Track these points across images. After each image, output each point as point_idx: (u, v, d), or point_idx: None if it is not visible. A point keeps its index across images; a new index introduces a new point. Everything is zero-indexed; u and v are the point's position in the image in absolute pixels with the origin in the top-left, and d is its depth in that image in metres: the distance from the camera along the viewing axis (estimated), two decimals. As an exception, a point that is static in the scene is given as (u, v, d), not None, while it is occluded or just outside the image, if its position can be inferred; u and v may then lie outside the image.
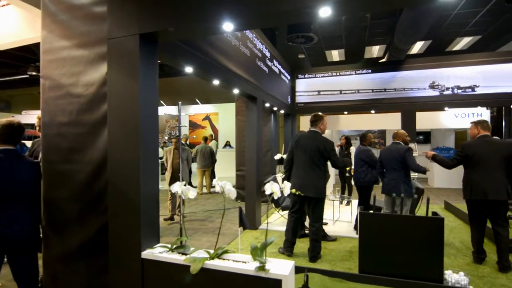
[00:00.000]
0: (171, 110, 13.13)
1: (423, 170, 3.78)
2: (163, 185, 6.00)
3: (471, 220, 3.53)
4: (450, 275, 2.65)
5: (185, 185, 2.11)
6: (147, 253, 2.07)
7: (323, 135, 3.63)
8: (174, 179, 5.17)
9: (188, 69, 3.15)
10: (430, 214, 3.00)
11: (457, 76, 6.91)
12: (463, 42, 9.07)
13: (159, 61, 2.46)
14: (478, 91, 6.74)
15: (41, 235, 2.41)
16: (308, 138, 3.57)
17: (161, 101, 13.43)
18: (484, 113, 9.75)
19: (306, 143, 3.55)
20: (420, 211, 4.28)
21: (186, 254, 1.99)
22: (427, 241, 2.66)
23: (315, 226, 3.54)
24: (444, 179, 9.19)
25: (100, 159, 2.28)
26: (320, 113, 3.70)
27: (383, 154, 4.07)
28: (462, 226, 4.97)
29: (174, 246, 2.11)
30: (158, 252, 2.06)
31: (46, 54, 2.51)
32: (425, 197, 3.59)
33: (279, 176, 6.42)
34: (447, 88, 7.00)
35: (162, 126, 13.88)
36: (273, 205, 5.06)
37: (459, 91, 6.90)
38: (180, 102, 3.13)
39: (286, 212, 5.24)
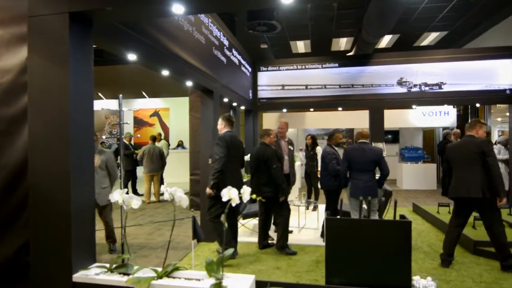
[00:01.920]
0: (112, 104, 12.53)
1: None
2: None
3: (452, 219, 3.85)
4: (418, 281, 2.85)
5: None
6: (79, 276, 1.96)
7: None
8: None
9: (131, 57, 3.03)
10: (398, 217, 3.20)
11: (424, 72, 7.48)
12: (431, 38, 9.86)
13: (94, 46, 2.34)
14: (445, 88, 7.36)
15: None
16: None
17: (99, 94, 12.78)
18: (451, 112, 10.68)
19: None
20: (388, 214, 4.56)
21: (128, 274, 1.92)
22: (395, 246, 2.84)
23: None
24: (413, 181, 9.90)
25: (19, 163, 2.11)
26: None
27: (353, 154, 4.24)
28: (430, 229, 5.39)
29: (114, 266, 2.02)
30: (93, 274, 1.96)
31: None
32: (393, 200, 3.83)
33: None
34: (415, 85, 7.55)
35: (101, 124, 13.22)
36: (233, 213, 5.06)
37: (427, 88, 7.49)
38: (121, 95, 3.00)
39: (248, 220, 5.28)
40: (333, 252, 2.93)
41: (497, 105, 9.99)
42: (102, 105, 12.52)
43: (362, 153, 4.18)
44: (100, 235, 5.03)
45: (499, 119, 14.47)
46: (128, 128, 12.63)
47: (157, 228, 5.58)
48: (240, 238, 4.85)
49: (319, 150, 6.54)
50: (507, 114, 7.69)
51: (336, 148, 4.96)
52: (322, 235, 4.81)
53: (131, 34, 2.85)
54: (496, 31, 8.56)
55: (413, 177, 9.93)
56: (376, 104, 7.66)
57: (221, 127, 4.22)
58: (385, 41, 10.11)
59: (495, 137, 14.66)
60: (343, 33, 9.57)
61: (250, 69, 7.68)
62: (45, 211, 2.03)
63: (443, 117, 10.76)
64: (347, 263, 2.88)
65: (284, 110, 9.30)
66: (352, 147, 4.41)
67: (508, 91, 6.97)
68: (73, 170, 2.00)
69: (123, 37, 2.75)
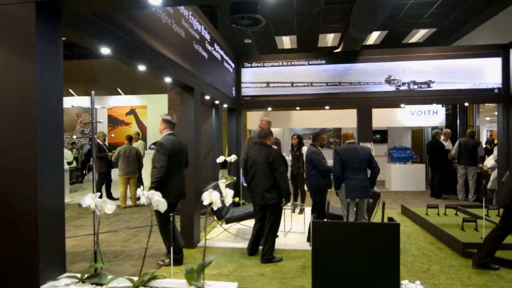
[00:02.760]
0: (84, 101, 12.26)
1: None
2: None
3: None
4: (406, 285, 2.92)
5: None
6: (48, 287, 1.91)
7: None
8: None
9: (105, 51, 2.97)
10: (386, 220, 3.26)
11: (413, 70, 7.65)
12: (419, 35, 10.11)
13: (64, 39, 2.28)
14: (434, 87, 7.56)
15: None
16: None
17: (70, 90, 12.48)
18: (439, 111, 10.98)
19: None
20: (376, 216, 4.65)
21: (102, 285, 1.88)
22: (383, 249, 2.90)
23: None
24: (401, 182, 10.11)
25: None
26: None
27: (346, 155, 4.34)
28: (419, 231, 5.52)
29: (86, 276, 1.97)
30: (63, 285, 1.92)
31: None
32: (381, 202, 3.91)
33: (222, 182, 6.42)
34: (404, 83, 7.72)
35: (72, 122, 12.93)
36: (215, 218, 5.04)
37: (415, 86, 7.66)
38: (93, 92, 2.94)
39: (231, 225, 5.27)
40: (320, 256, 2.96)
41: (486, 104, 10.33)
42: (73, 102, 12.24)
43: (354, 153, 4.32)
44: (71, 242, 4.92)
45: (487, 118, 14.96)
46: (102, 127, 12.40)
47: (134, 235, 5.49)
48: (223, 244, 4.85)
49: (304, 149, 6.59)
50: (496, 113, 7.97)
51: (320, 149, 5.03)
52: (308, 239, 4.85)
53: (104, 26, 2.80)
54: (485, 28, 8.86)
55: (401, 178, 10.14)
56: (364, 103, 7.79)
57: (161, 128, 4.12)
58: (373, 37, 10.29)
59: (483, 137, 15.17)
60: (330, 28, 9.69)
61: (233, 65, 7.67)
62: (9, 217, 1.96)
63: (432, 117, 11.05)
64: (334, 267, 2.91)
65: (269, 109, 9.33)
66: (343, 148, 4.49)
67: (496, 90, 7.22)
68: (40, 172, 1.94)
69: (95, 29, 2.69)
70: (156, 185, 3.75)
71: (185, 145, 4.31)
